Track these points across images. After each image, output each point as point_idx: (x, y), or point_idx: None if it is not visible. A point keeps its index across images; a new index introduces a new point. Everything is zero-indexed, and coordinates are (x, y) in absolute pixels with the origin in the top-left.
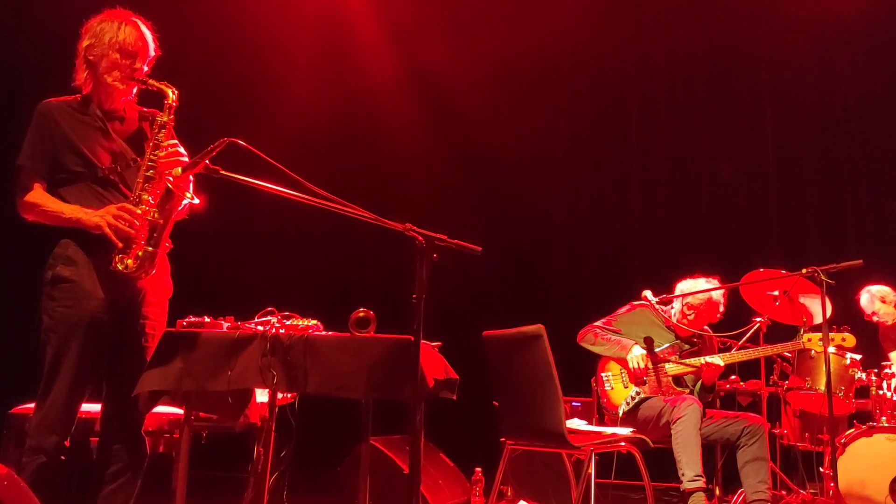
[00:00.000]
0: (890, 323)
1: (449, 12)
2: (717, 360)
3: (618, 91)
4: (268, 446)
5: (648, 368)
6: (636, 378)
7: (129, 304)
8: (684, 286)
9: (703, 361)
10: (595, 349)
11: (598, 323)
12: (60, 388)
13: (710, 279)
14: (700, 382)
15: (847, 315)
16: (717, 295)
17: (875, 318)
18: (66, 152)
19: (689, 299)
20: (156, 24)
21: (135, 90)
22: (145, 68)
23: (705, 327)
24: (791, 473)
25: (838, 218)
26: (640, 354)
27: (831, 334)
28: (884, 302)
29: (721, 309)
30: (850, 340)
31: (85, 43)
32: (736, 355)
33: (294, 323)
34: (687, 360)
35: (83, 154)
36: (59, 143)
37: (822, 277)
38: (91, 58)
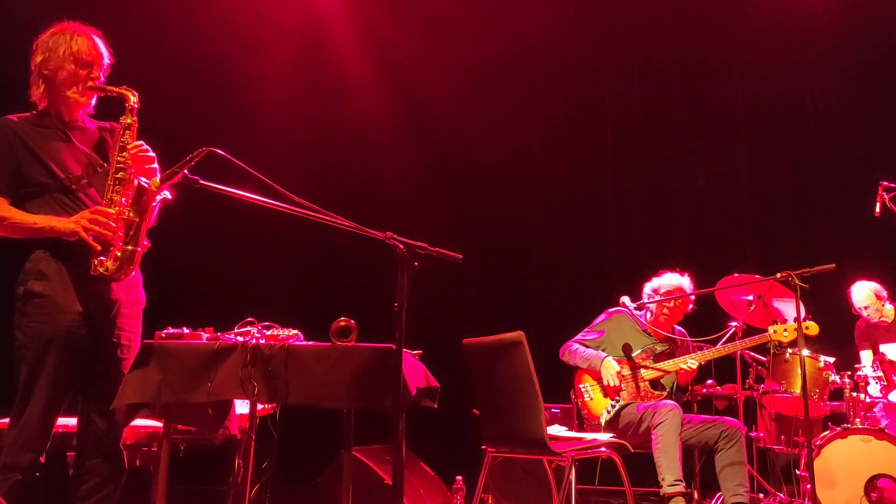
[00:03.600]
0: (874, 321)
1: (424, 17)
2: (691, 362)
3: (593, 96)
4: (248, 458)
5: (625, 378)
6: (611, 391)
7: (104, 316)
8: (654, 284)
9: (678, 366)
10: (573, 364)
11: (576, 337)
12: (36, 404)
13: (674, 272)
14: (675, 384)
15: (820, 319)
16: (687, 286)
17: (864, 313)
18: (31, 164)
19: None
20: (133, 35)
21: (93, 101)
22: (101, 77)
23: (682, 330)
24: (767, 476)
25: (811, 223)
26: (614, 373)
27: (794, 325)
28: (878, 299)
29: (692, 299)
30: (813, 328)
31: (38, 58)
32: (707, 354)
33: (274, 333)
34: (661, 364)
35: (48, 165)
36: (22, 157)
37: (796, 281)
38: (46, 72)
